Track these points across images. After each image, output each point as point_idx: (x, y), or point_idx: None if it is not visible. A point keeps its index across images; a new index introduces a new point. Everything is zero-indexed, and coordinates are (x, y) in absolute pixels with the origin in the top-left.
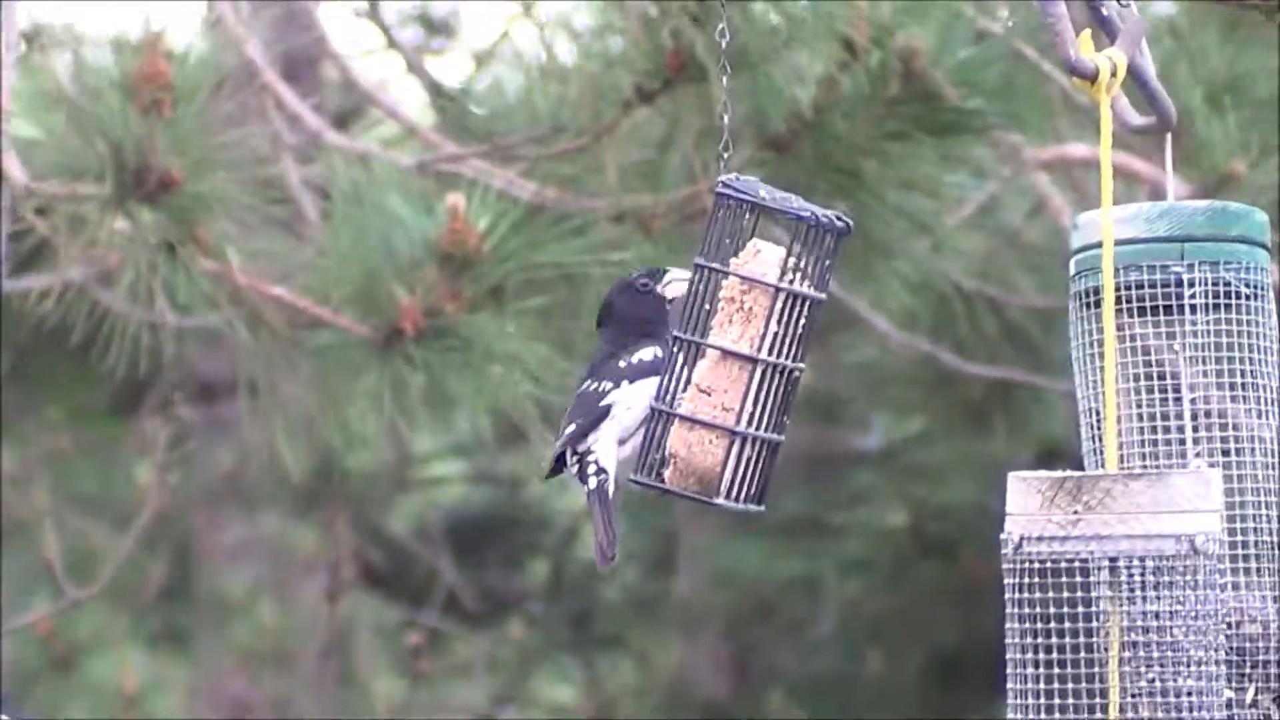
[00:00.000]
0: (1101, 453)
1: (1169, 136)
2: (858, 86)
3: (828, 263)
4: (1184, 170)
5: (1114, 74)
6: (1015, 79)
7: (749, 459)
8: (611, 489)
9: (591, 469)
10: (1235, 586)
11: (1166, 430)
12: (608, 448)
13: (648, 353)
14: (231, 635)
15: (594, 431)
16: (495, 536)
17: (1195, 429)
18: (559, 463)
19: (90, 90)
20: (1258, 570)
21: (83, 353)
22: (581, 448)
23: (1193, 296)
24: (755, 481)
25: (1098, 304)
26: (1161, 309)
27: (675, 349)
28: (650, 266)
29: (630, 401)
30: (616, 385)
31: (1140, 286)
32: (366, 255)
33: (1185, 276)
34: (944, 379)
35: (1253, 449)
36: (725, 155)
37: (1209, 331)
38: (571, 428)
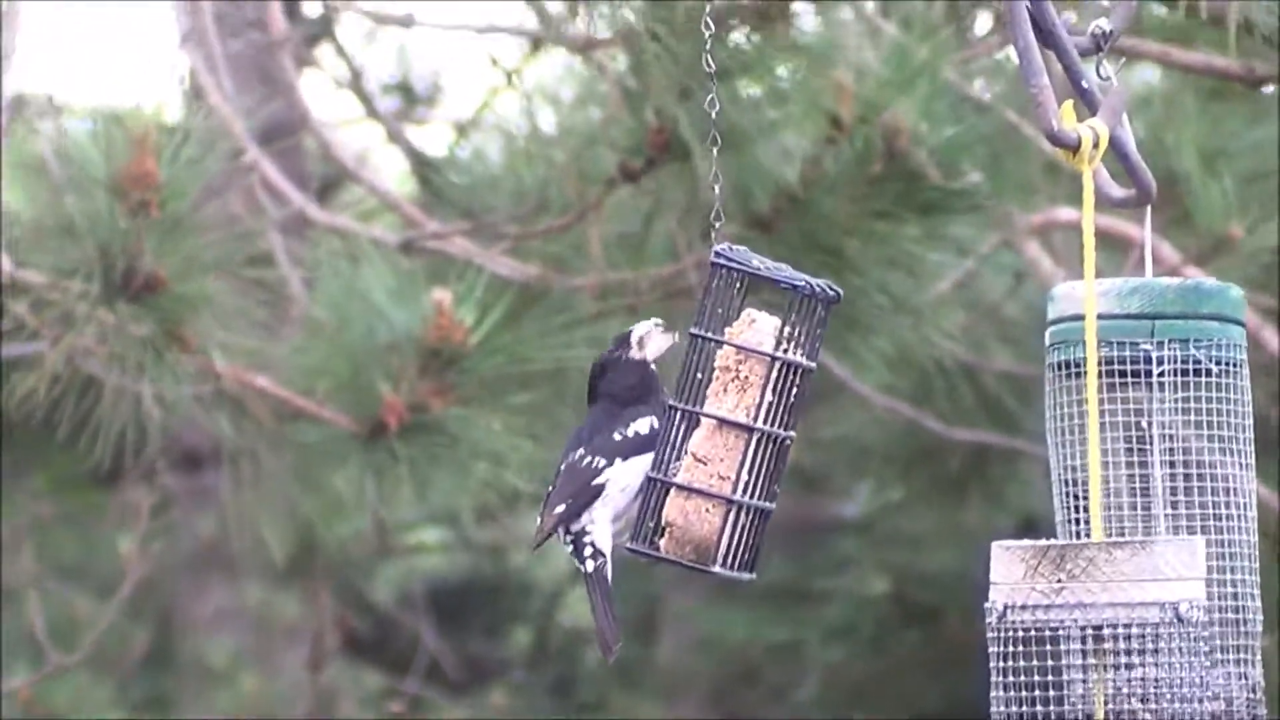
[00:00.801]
0: (1076, 521)
1: (1149, 210)
2: (842, 165)
3: (819, 332)
4: (1177, 235)
5: (1096, 145)
6: (1000, 156)
7: (743, 527)
8: (610, 573)
9: (588, 550)
10: (1211, 662)
11: (1134, 502)
12: (603, 529)
13: (643, 424)
14: (214, 704)
15: (587, 511)
16: (477, 604)
17: (1165, 504)
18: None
19: (76, 184)
20: (1224, 647)
21: (67, 424)
22: (576, 527)
23: (1161, 374)
24: (748, 549)
25: (1073, 375)
26: (1131, 384)
27: (670, 417)
28: (618, 333)
29: (624, 480)
30: (610, 462)
31: (1109, 362)
32: (351, 347)
33: (1154, 354)
34: (924, 450)
35: (1224, 525)
36: (717, 226)
37: (1178, 408)
38: (561, 507)
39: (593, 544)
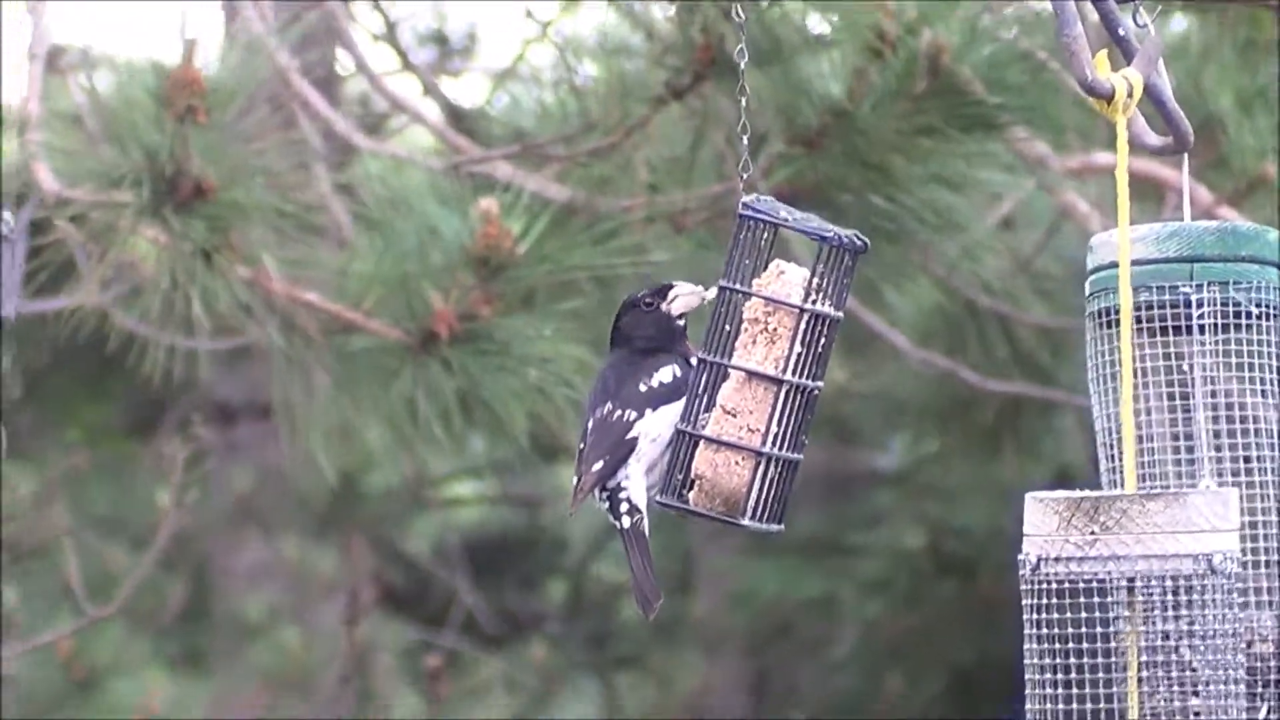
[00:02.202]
0: (1119, 471)
1: (1185, 156)
2: (885, 82)
3: (846, 282)
4: (1213, 177)
5: (1130, 94)
6: (1039, 76)
7: (772, 479)
8: (647, 528)
9: (624, 506)
10: (1245, 605)
11: (1178, 450)
12: (638, 483)
13: (666, 374)
14: (250, 658)
15: (622, 468)
16: (513, 557)
17: (1209, 448)
18: (577, 487)
19: (124, 98)
20: (1268, 589)
21: (99, 374)
22: (611, 484)
23: (1201, 317)
24: (776, 501)
25: (1112, 324)
26: (1171, 328)
27: (699, 370)
28: (658, 283)
29: (655, 431)
30: (640, 414)
31: (1150, 307)
32: (400, 260)
33: (1194, 297)
34: (959, 402)
35: (1266, 468)
36: (745, 175)
37: (1219, 351)
38: (599, 464)
39: (628, 500)
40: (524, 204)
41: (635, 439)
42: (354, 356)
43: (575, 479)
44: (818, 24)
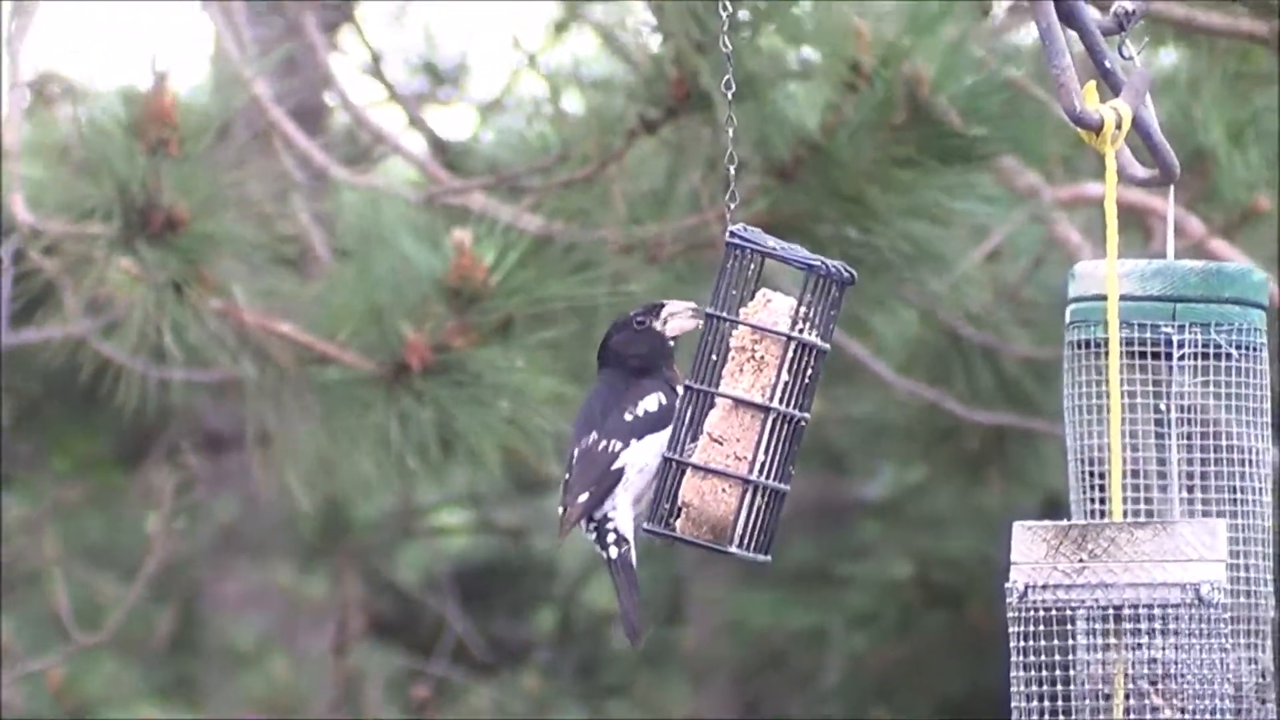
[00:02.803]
0: (1094, 501)
1: (1172, 189)
2: (863, 113)
3: (833, 313)
4: (1204, 209)
5: (1118, 125)
6: (1020, 107)
7: (759, 508)
8: (634, 559)
9: (611, 537)
10: (1235, 644)
11: (1149, 485)
12: (625, 513)
13: (652, 402)
14: (241, 686)
15: (609, 498)
16: (502, 585)
17: (1181, 486)
18: (564, 518)
19: (97, 130)
20: (1236, 631)
21: (88, 403)
22: (598, 514)
23: (1181, 358)
24: (763, 532)
25: (1093, 354)
26: (1150, 366)
27: (685, 398)
28: (649, 302)
29: (641, 461)
30: (625, 444)
31: (1129, 343)
32: (372, 291)
33: (1175, 338)
34: (943, 430)
35: (1240, 510)
36: (732, 206)
37: (1196, 392)
38: (585, 496)
39: (615, 530)
40: (498, 235)
41: (621, 469)
42: (328, 388)
43: (561, 509)
44: (793, 57)
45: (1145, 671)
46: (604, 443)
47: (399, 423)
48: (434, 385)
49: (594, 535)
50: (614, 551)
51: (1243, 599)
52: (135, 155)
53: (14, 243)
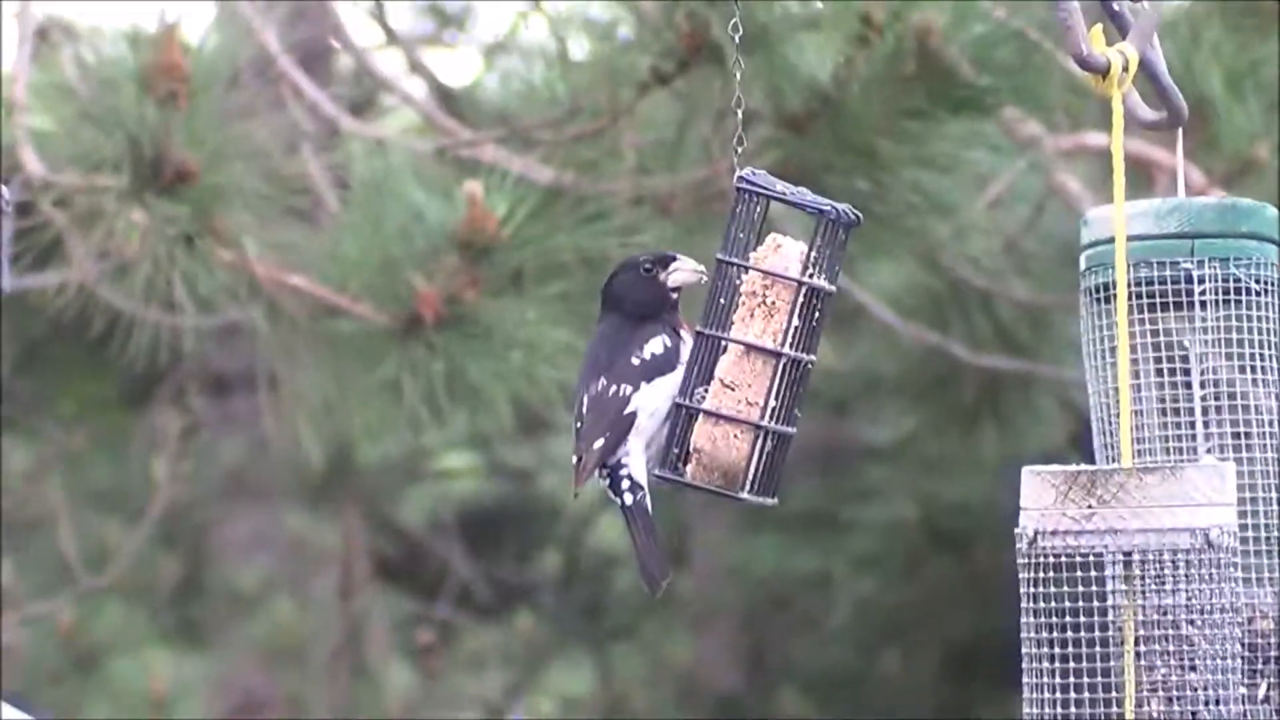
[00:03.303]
0: (1114, 446)
1: (1180, 131)
2: (873, 65)
3: (839, 256)
4: (1204, 158)
5: (1125, 68)
6: (1029, 56)
7: (768, 452)
8: (650, 504)
9: (625, 484)
10: (1246, 581)
11: (1178, 424)
12: (638, 459)
13: (657, 344)
14: (246, 630)
15: (622, 444)
16: (507, 529)
17: (1206, 422)
18: (580, 466)
19: (106, 82)
20: (1268, 566)
21: (93, 347)
22: (611, 460)
23: (1203, 293)
24: (771, 475)
25: (1108, 299)
26: (1172, 304)
27: (696, 344)
28: (662, 251)
29: (652, 405)
30: (635, 388)
31: (1150, 282)
32: (384, 243)
33: (1195, 273)
34: (941, 377)
35: (1265, 442)
36: (740, 149)
37: (1219, 326)
38: (600, 441)
39: (630, 476)
40: (509, 187)
41: (634, 414)
42: (340, 340)
43: (575, 458)
44: (805, 8)
45: (1157, 617)
46: (614, 387)
47: (411, 374)
48: (446, 338)
49: (607, 482)
50: (629, 498)
51: (1273, 533)
52: (145, 107)
53: (15, 188)
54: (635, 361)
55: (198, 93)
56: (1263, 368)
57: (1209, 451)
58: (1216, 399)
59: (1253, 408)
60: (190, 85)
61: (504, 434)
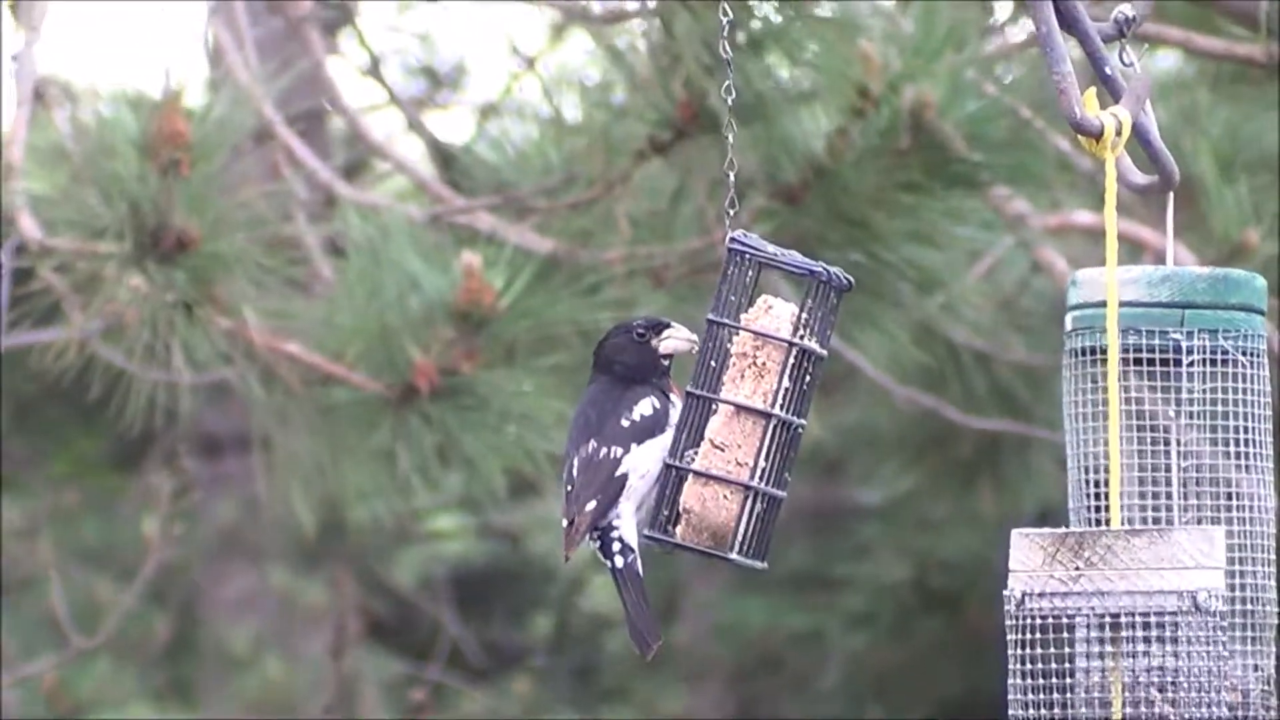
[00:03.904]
0: (1093, 509)
1: (1171, 196)
2: (868, 138)
3: (831, 319)
4: (1191, 239)
5: (1119, 132)
6: (1021, 133)
7: (758, 514)
8: (640, 567)
9: (616, 546)
10: (1229, 652)
11: (1157, 491)
12: (629, 521)
13: (646, 406)
14: (237, 689)
15: (614, 506)
16: (499, 590)
17: (1185, 490)
18: (572, 530)
19: (106, 147)
20: (1242, 638)
21: (87, 407)
22: (602, 523)
23: (1190, 364)
24: (760, 537)
25: (1095, 362)
26: (1159, 373)
27: (686, 404)
28: (657, 318)
29: (643, 467)
30: (626, 450)
31: (1138, 349)
32: (381, 312)
33: (1184, 344)
34: (936, 437)
35: (1245, 515)
36: (732, 212)
37: (1204, 399)
38: (592, 504)
39: (620, 539)
40: (505, 257)
41: (625, 475)
42: (334, 408)
43: (566, 522)
44: (801, 79)
45: (1143, 679)
46: (604, 449)
47: (405, 443)
48: (441, 408)
49: (598, 544)
50: (619, 560)
51: (1245, 606)
52: (147, 175)
53: (9, 251)
54: (625, 423)
55: (199, 160)
56: (1246, 439)
57: (1185, 523)
58: (1198, 470)
59: (1233, 480)
60: (193, 153)
61: (494, 500)
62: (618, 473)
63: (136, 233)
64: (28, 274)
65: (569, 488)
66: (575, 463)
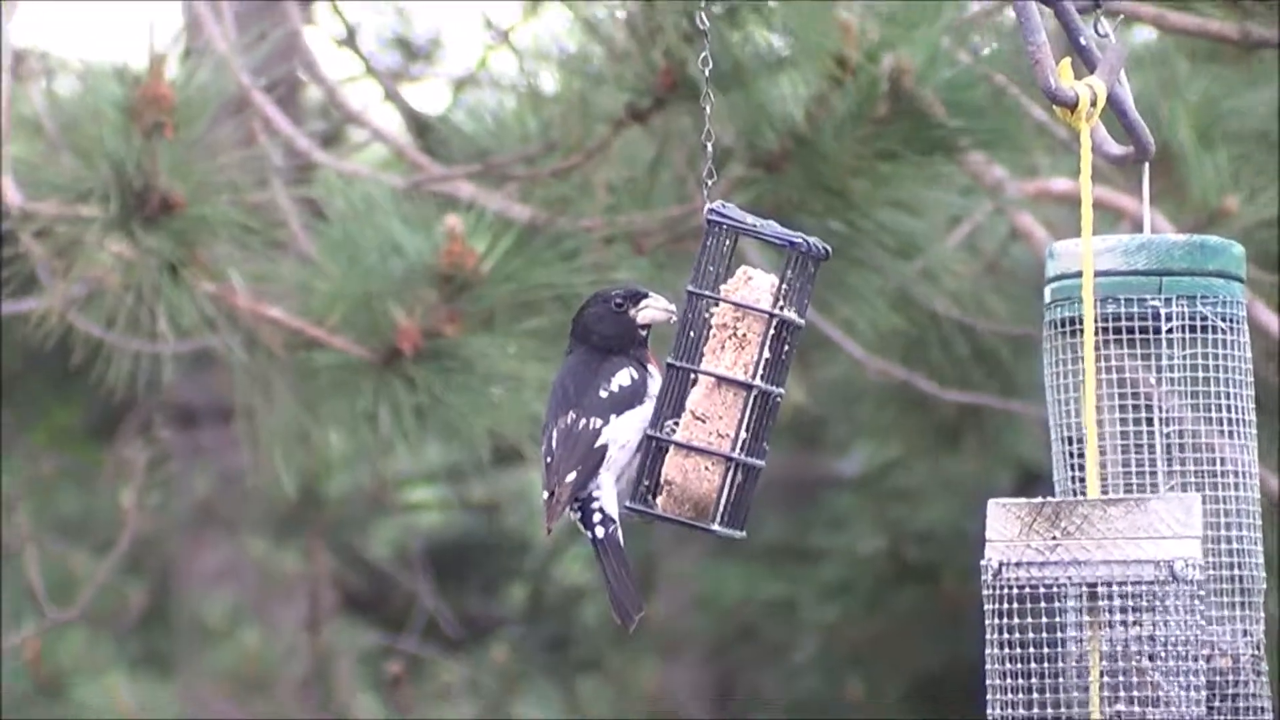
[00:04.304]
0: (1077, 480)
1: (1146, 166)
2: (847, 105)
3: (809, 289)
4: (1170, 206)
5: (1094, 102)
6: (999, 100)
7: (737, 484)
8: (621, 538)
9: (597, 517)
10: (1208, 619)
11: (1140, 459)
12: (609, 492)
13: (624, 377)
14: (212, 660)
15: (595, 477)
16: (474, 561)
17: (1169, 458)
18: (553, 501)
19: (91, 112)
20: (1230, 604)
21: (62, 377)
22: (582, 494)
23: (1169, 330)
24: (739, 507)
25: (1074, 333)
26: (1139, 340)
27: (668, 375)
28: (635, 288)
29: (623, 437)
30: (605, 421)
31: (1116, 318)
32: (364, 276)
33: (1162, 310)
34: (916, 403)
35: (1229, 480)
36: (710, 182)
37: (1184, 365)
38: (573, 474)
39: (601, 509)
40: (485, 222)
41: (604, 446)
42: (316, 372)
43: (546, 493)
44: (779, 48)
45: (1121, 649)
46: (583, 421)
47: (389, 406)
48: (425, 371)
49: (579, 515)
50: (600, 531)
51: (1234, 571)
52: (131, 138)
53: None
54: (603, 394)
55: (181, 125)
56: (1228, 405)
57: (1170, 487)
58: (1180, 437)
59: (1216, 446)
60: (176, 117)
61: (477, 466)
62: (597, 444)
63: (121, 196)
64: (8, 240)
65: (548, 460)
66: (555, 435)
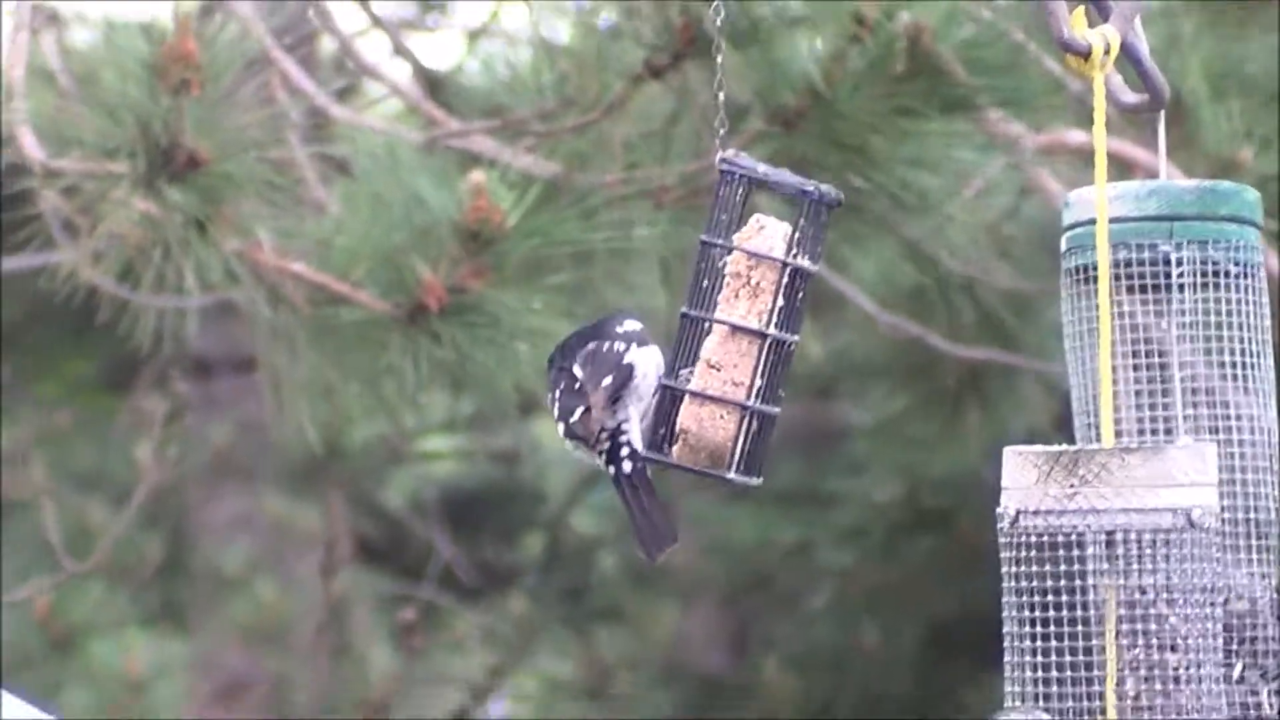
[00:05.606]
0: (1095, 427)
1: (1162, 115)
2: (865, 62)
3: (821, 236)
4: (1181, 158)
5: (1107, 51)
6: (1016, 57)
7: (753, 432)
8: (650, 472)
9: (625, 450)
10: (1224, 564)
11: (1154, 407)
12: (636, 427)
13: (630, 324)
14: (229, 611)
15: (622, 401)
16: (490, 510)
17: (1185, 405)
18: (567, 419)
19: (117, 68)
20: (1246, 548)
21: (77, 328)
22: (611, 424)
23: (1180, 275)
24: (755, 455)
25: (1088, 280)
26: (1150, 286)
27: (682, 325)
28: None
29: (644, 366)
30: (628, 347)
31: (1129, 264)
32: (388, 232)
33: (1173, 255)
34: (926, 361)
35: (1244, 426)
36: (722, 131)
37: (1197, 310)
38: (608, 380)
39: (629, 443)
40: (507, 178)
41: (631, 365)
42: (342, 328)
43: (581, 409)
44: (796, 5)
45: (1139, 596)
46: (607, 343)
47: (414, 363)
48: (451, 326)
49: (607, 448)
50: (628, 465)
51: (1250, 515)
52: (158, 95)
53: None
54: (619, 330)
55: (208, 81)
56: (1244, 350)
57: (1187, 434)
58: (1194, 382)
59: (1232, 390)
60: (202, 74)
61: (500, 418)
62: (624, 361)
63: (148, 153)
64: (23, 197)
65: (576, 385)
66: (577, 364)
